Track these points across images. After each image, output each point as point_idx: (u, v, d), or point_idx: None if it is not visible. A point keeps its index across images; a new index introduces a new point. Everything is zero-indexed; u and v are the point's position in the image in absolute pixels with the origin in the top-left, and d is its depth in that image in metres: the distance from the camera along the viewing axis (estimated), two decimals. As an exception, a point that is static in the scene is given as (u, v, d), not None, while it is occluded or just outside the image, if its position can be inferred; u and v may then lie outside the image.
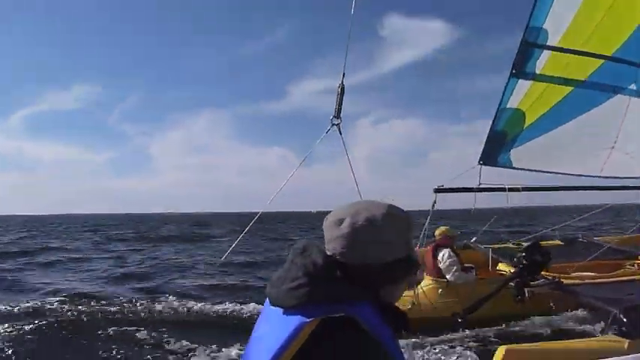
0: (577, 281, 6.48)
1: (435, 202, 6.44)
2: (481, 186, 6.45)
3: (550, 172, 6.56)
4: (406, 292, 6.92)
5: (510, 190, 6.45)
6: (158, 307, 7.85)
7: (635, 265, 7.09)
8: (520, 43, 6.14)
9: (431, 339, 5.86)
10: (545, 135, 6.38)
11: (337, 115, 3.84)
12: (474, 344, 5.61)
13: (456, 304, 6.48)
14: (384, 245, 1.00)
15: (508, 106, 6.36)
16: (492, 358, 3.94)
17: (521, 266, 6.13)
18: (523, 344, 4.33)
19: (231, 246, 5.45)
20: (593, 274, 6.83)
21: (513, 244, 8.72)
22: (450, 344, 5.60)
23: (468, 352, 5.19)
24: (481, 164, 6.55)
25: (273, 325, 0.98)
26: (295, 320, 0.93)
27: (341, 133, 3.86)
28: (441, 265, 6.79)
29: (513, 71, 6.21)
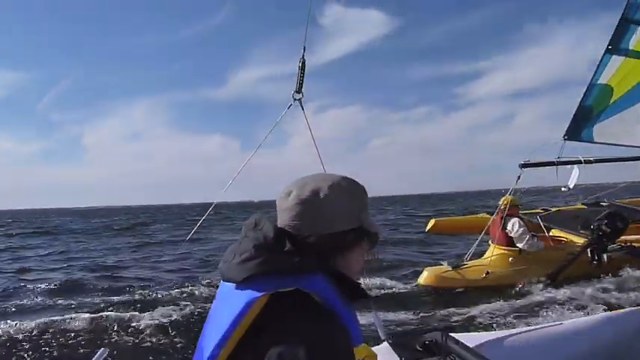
0: None
1: (519, 176, 6.66)
2: (560, 159, 6.69)
3: (628, 146, 6.78)
4: (479, 261, 7.23)
5: (586, 162, 6.67)
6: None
7: None
8: (619, 20, 6.19)
9: (521, 302, 6.14)
10: (626, 110, 6.52)
11: (299, 90, 3.86)
12: (573, 306, 5.85)
13: (529, 271, 6.82)
14: (330, 216, 0.99)
15: (599, 81, 6.49)
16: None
17: (600, 233, 6.46)
18: None
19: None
20: None
21: (556, 210, 9.04)
22: (547, 307, 5.83)
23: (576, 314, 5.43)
24: (565, 139, 6.76)
25: (226, 301, 0.98)
26: (246, 295, 0.92)
27: (303, 109, 3.90)
28: (512, 234, 7.04)
29: (609, 47, 6.29)
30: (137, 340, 5.41)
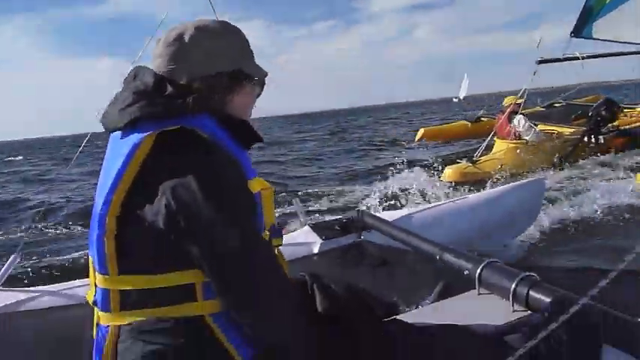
0: (628, 126, 8.19)
1: (535, 72, 7.52)
2: (564, 55, 7.64)
3: (621, 42, 7.78)
4: (491, 156, 8.22)
5: (583, 58, 7.63)
6: None
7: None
8: None
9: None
10: (620, 7, 7.38)
11: None
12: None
13: (537, 159, 7.95)
14: (198, 57, 0.99)
15: (600, -20, 7.28)
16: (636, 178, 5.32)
17: (598, 118, 7.59)
18: None
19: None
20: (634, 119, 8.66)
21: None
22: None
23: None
24: (572, 36, 7.64)
25: (114, 149, 1.00)
26: (132, 138, 0.94)
27: None
28: (519, 129, 8.03)
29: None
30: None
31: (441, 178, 7.95)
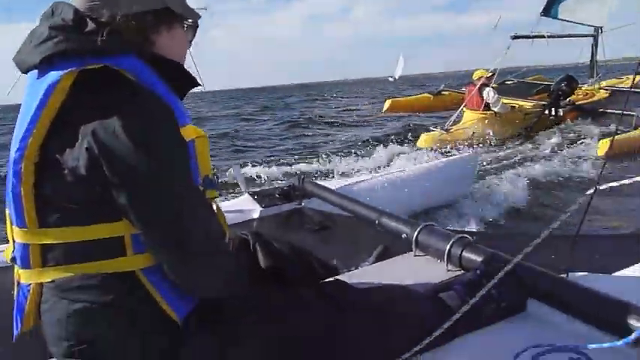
0: (582, 102, 9.05)
1: (509, 47, 7.74)
2: (533, 33, 7.94)
3: (579, 24, 8.16)
4: (462, 125, 8.36)
5: (549, 37, 7.92)
6: None
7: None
8: None
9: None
10: None
11: None
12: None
13: (505, 128, 8.21)
14: None
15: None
16: (598, 147, 5.56)
17: (560, 92, 7.90)
18: (619, 135, 6.05)
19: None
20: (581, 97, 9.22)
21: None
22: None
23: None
24: (542, 15, 7.89)
25: (30, 91, 0.90)
26: (49, 77, 0.85)
27: None
28: (489, 100, 8.19)
29: None
30: None
31: (418, 145, 8.11)
